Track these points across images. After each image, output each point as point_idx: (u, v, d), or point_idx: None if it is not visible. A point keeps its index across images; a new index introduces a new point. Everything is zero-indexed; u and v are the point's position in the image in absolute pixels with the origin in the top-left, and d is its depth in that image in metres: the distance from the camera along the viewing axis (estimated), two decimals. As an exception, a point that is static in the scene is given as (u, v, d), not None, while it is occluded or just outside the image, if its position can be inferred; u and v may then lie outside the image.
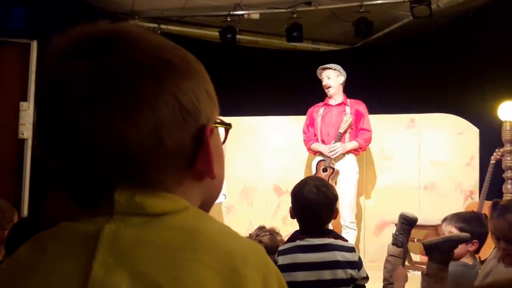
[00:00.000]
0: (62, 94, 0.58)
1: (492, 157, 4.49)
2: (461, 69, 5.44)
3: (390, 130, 5.21)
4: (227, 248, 0.58)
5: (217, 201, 1.01)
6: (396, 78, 5.96)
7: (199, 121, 0.63)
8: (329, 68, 4.63)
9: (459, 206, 4.76)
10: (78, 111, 0.57)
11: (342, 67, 4.70)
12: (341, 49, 7.04)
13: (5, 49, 4.83)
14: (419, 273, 2.60)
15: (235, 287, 0.56)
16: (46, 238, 0.62)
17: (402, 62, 6.02)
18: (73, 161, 0.60)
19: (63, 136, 0.59)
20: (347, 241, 2.29)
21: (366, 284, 2.14)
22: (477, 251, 2.44)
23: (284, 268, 2.03)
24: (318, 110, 4.75)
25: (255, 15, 5.94)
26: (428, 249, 2.15)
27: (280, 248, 2.16)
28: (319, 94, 4.90)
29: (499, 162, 4.48)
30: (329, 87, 4.62)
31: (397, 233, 2.35)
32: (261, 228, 2.54)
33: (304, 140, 4.80)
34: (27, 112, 4.77)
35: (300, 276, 2.03)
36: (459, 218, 2.48)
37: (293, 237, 2.17)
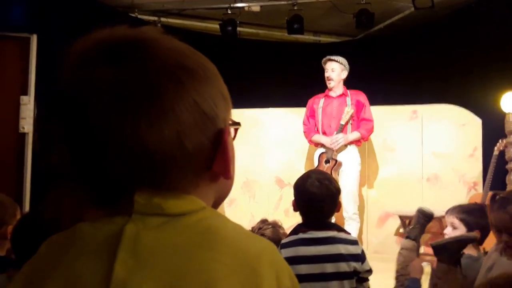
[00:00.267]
0: (87, 100, 0.60)
1: (496, 148, 4.47)
2: (464, 60, 5.41)
3: (393, 121, 5.19)
4: (242, 247, 0.61)
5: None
6: (398, 69, 5.94)
7: (216, 124, 0.65)
8: (335, 61, 4.60)
9: (462, 197, 4.74)
10: (103, 117, 0.59)
11: (347, 58, 4.67)
12: (342, 41, 7.01)
13: (5, 43, 4.81)
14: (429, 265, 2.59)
15: (252, 284, 0.58)
16: (66, 238, 0.63)
17: (403, 54, 5.99)
18: (96, 164, 0.61)
19: (87, 140, 0.61)
20: (350, 234, 2.28)
21: (369, 277, 2.13)
22: (480, 242, 2.43)
23: (287, 261, 1.98)
24: (319, 102, 4.73)
25: (255, 7, 5.91)
26: (437, 250, 2.15)
27: (283, 241, 2.15)
28: (320, 86, 4.88)
29: (502, 153, 4.46)
30: (331, 80, 4.59)
31: (412, 226, 2.37)
32: (264, 221, 2.53)
33: (304, 132, 4.77)
34: (28, 106, 4.76)
35: (303, 269, 2.02)
36: (461, 209, 2.47)
37: (296, 230, 2.16)
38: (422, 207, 2.41)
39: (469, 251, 2.44)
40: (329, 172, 4.27)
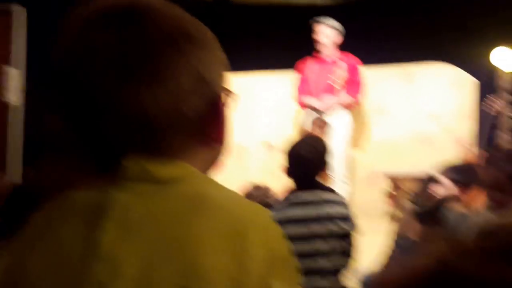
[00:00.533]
0: (88, 64, 0.61)
1: (489, 107, 4.45)
2: (457, 17, 5.33)
3: (385, 82, 5.14)
4: (232, 212, 0.62)
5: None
6: (391, 28, 5.84)
7: (214, 90, 0.66)
8: (326, 25, 4.54)
9: (454, 157, 4.75)
10: (103, 80, 0.60)
11: (338, 21, 4.61)
12: (337, 3, 6.88)
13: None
14: None
15: (240, 250, 0.59)
16: (54, 207, 0.64)
17: (396, 12, 5.88)
18: (92, 128, 0.62)
19: (86, 103, 0.61)
20: (339, 195, 2.31)
21: (358, 237, 2.16)
22: (469, 200, 2.46)
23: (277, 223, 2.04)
24: (310, 65, 4.68)
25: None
26: (420, 216, 2.19)
27: (274, 204, 2.19)
28: (312, 47, 4.81)
29: (495, 112, 4.45)
30: (322, 44, 4.54)
31: (415, 192, 2.37)
32: (255, 187, 2.55)
33: (296, 95, 4.74)
34: (13, 76, 4.68)
35: (292, 230, 2.06)
36: (452, 169, 2.49)
37: (288, 194, 2.18)
38: (428, 173, 2.39)
39: (460, 208, 2.47)
40: (319, 135, 4.28)
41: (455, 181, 2.40)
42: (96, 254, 0.57)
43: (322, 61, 4.65)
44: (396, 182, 4.77)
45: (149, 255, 0.57)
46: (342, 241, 2.09)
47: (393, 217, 4.38)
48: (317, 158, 2.10)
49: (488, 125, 4.44)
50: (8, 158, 4.60)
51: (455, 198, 2.28)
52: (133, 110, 0.60)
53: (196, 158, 0.67)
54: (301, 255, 2.00)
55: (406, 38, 5.62)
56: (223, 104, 0.68)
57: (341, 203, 2.13)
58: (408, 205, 2.35)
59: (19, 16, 4.67)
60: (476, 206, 2.76)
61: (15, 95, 4.58)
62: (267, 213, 0.66)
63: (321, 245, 2.05)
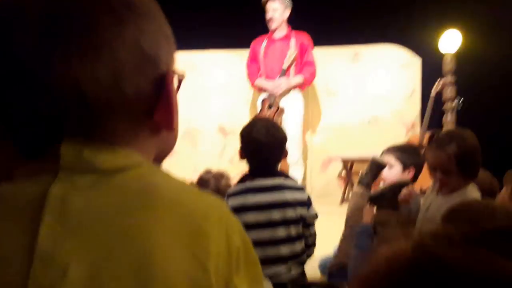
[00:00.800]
0: (14, 29, 0.54)
1: (433, 89, 4.54)
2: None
3: (334, 64, 5.15)
4: (186, 205, 0.56)
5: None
6: (339, 8, 5.83)
7: (159, 67, 0.59)
8: (277, 0, 4.42)
9: (401, 139, 4.85)
10: (32, 49, 0.53)
11: None
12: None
13: None
14: None
15: (197, 246, 0.54)
16: None
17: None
18: (21, 105, 0.55)
19: (13, 76, 0.54)
20: (296, 181, 2.28)
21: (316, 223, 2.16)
22: (414, 180, 2.50)
23: (234, 210, 2.04)
24: (261, 44, 4.58)
25: None
26: (375, 199, 2.24)
27: (230, 190, 2.17)
28: (262, 26, 4.71)
29: (440, 94, 4.54)
30: (273, 21, 4.43)
31: (363, 174, 2.42)
32: (208, 172, 2.47)
33: (247, 76, 4.65)
34: None
35: (251, 217, 2.03)
36: (396, 149, 2.55)
37: (243, 179, 2.16)
38: (375, 158, 2.45)
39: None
40: (271, 117, 4.22)
41: (400, 160, 2.46)
42: (37, 256, 0.50)
43: (273, 39, 4.56)
44: (348, 164, 4.83)
45: (95, 255, 0.51)
46: (301, 227, 2.06)
47: (346, 200, 4.43)
48: (274, 143, 2.05)
49: (432, 106, 4.52)
50: None
51: (409, 183, 2.33)
52: (65, 84, 0.53)
53: (145, 145, 0.60)
54: (260, 243, 1.98)
55: (353, 19, 5.62)
56: (170, 84, 0.60)
57: (300, 188, 2.10)
58: (359, 189, 2.37)
59: None
60: (418, 186, 2.82)
61: None
62: (223, 205, 0.61)
63: (280, 232, 2.01)
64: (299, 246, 2.06)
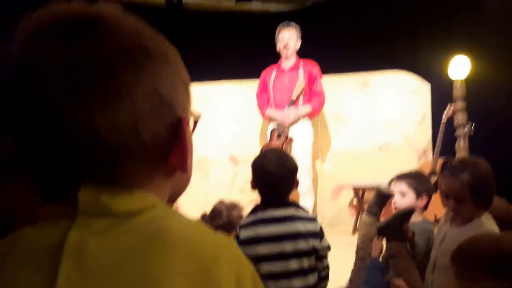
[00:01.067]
0: (38, 78, 0.55)
1: (444, 114, 4.52)
2: (411, 25, 5.43)
3: (343, 91, 5.17)
4: (197, 248, 0.56)
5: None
6: (347, 36, 5.89)
7: (175, 112, 0.60)
8: (292, 28, 4.52)
9: (413, 165, 4.82)
10: (54, 97, 0.54)
11: None
12: (292, 9, 6.90)
13: None
14: None
15: None
16: (6, 247, 0.58)
17: (352, 21, 5.94)
18: (42, 151, 0.56)
19: (34, 123, 0.56)
20: (308, 211, 2.26)
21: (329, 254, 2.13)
22: (425, 207, 2.48)
23: (246, 242, 2.02)
24: (271, 74, 4.64)
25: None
26: (382, 231, 2.20)
27: (242, 222, 2.14)
28: (270, 56, 4.77)
29: (451, 119, 4.52)
30: (289, 48, 4.51)
31: (371, 203, 2.38)
32: (221, 203, 2.47)
33: (258, 106, 4.69)
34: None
35: (263, 249, 2.00)
36: (409, 176, 2.52)
37: (255, 210, 2.14)
38: (380, 187, 2.39)
39: (418, 216, 2.48)
40: (280, 147, 4.23)
41: (412, 187, 2.43)
42: None
43: (282, 69, 4.61)
44: (359, 192, 4.79)
45: None
46: (312, 258, 2.03)
47: (358, 229, 4.39)
48: (285, 173, 2.04)
49: (443, 132, 4.50)
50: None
51: (414, 210, 2.29)
52: (85, 131, 0.55)
53: (159, 187, 0.62)
54: (273, 275, 1.95)
55: (361, 46, 5.67)
56: (185, 127, 0.61)
57: (312, 219, 2.08)
58: (368, 219, 2.33)
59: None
60: (428, 213, 2.79)
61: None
62: (234, 246, 0.60)
63: (292, 264, 1.99)
64: (312, 278, 2.02)
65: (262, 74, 4.72)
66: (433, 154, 4.67)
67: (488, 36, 4.79)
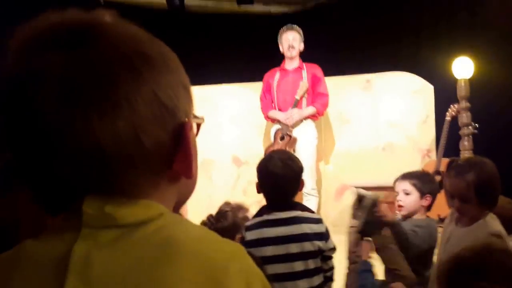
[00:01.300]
0: (35, 89, 0.54)
1: (447, 114, 4.52)
2: (414, 26, 5.43)
3: (347, 92, 5.17)
4: (206, 258, 0.55)
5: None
6: (350, 38, 5.89)
7: (177, 118, 0.59)
8: (296, 30, 4.56)
9: (416, 165, 4.81)
10: (52, 108, 0.53)
11: None
12: (294, 11, 6.90)
13: None
14: None
15: None
16: (10, 260, 0.57)
17: (354, 22, 5.94)
18: (42, 165, 0.55)
19: (34, 135, 0.54)
20: (314, 212, 2.26)
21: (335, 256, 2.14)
22: (429, 207, 2.47)
23: (252, 244, 2.03)
24: (274, 76, 4.64)
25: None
26: (362, 231, 2.19)
27: (247, 223, 2.15)
28: (272, 58, 4.77)
29: (454, 119, 4.52)
30: (293, 49, 4.53)
31: (355, 208, 2.35)
32: (227, 204, 2.47)
33: (261, 108, 4.70)
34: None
35: (269, 250, 2.01)
36: (412, 175, 2.52)
37: (260, 212, 2.15)
38: (359, 191, 2.34)
39: (421, 215, 2.49)
40: (284, 148, 4.24)
41: (416, 187, 2.43)
42: None
43: (285, 71, 4.62)
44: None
45: None
46: (318, 259, 2.04)
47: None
48: (290, 176, 2.05)
49: (447, 132, 4.50)
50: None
51: (378, 197, 2.27)
52: (85, 142, 0.53)
53: (164, 195, 0.60)
54: (278, 277, 1.95)
55: (364, 47, 5.67)
56: (188, 132, 0.60)
57: (317, 220, 2.09)
58: (353, 224, 2.32)
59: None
60: (432, 213, 2.79)
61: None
62: (244, 255, 0.59)
63: (298, 266, 2.00)
64: (317, 280, 2.03)
65: (266, 76, 4.73)
66: (436, 153, 4.67)
67: (490, 36, 4.79)
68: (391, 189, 4.43)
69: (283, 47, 4.58)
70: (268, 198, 2.13)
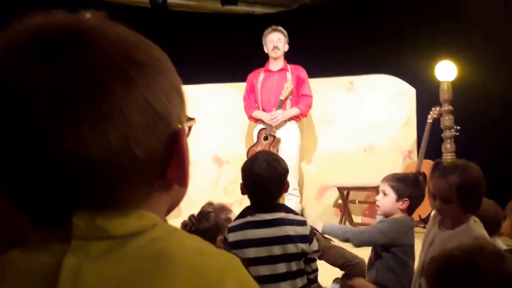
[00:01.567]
0: (20, 102, 0.51)
1: (429, 117, 4.56)
2: (396, 30, 5.49)
3: (330, 93, 5.18)
4: (201, 269, 0.53)
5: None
6: (333, 40, 5.91)
7: (170, 125, 0.56)
8: (281, 32, 4.58)
9: (398, 166, 4.85)
10: (41, 121, 0.50)
11: None
12: (277, 12, 6.90)
13: None
14: None
15: None
16: None
17: (338, 24, 5.97)
18: (31, 177, 0.52)
19: (20, 151, 0.51)
20: (298, 214, 2.25)
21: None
22: (410, 211, 2.46)
23: (235, 245, 2.01)
24: (258, 76, 4.64)
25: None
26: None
27: (231, 224, 2.13)
28: (255, 59, 4.76)
29: (435, 121, 4.56)
30: (277, 50, 4.55)
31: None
32: (210, 204, 2.44)
33: (244, 108, 4.70)
34: None
35: (251, 252, 2.00)
36: (394, 177, 2.50)
37: (244, 213, 2.14)
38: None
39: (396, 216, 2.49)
40: (267, 148, 4.24)
41: (394, 189, 2.42)
42: None
43: (270, 72, 4.62)
44: (344, 192, 4.81)
45: None
46: (301, 261, 2.02)
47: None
48: (275, 177, 2.03)
49: (428, 134, 4.55)
50: None
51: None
52: (75, 156, 0.50)
53: (157, 204, 0.58)
54: (260, 278, 1.93)
55: (347, 50, 5.70)
56: (182, 140, 0.58)
57: (301, 222, 2.07)
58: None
59: None
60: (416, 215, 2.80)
61: None
62: (239, 267, 0.57)
63: (280, 268, 1.98)
64: (300, 282, 2.01)
65: (250, 76, 4.72)
66: (418, 155, 4.72)
67: (472, 40, 4.86)
68: (372, 189, 4.48)
69: (268, 48, 4.59)
70: (252, 199, 2.11)
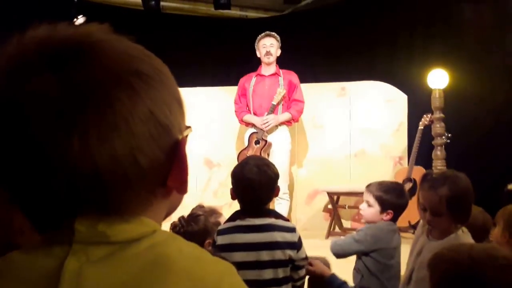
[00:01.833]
0: (29, 114, 0.52)
1: (420, 123, 4.59)
2: (389, 37, 5.51)
3: (321, 98, 5.19)
4: (198, 275, 0.55)
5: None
6: (325, 46, 5.93)
7: (172, 135, 0.58)
8: (273, 37, 4.59)
9: (388, 172, 4.87)
10: (46, 133, 0.52)
11: None
12: (270, 16, 6.91)
13: None
14: None
15: None
16: None
17: (331, 30, 5.99)
18: (37, 185, 0.54)
19: (27, 161, 0.53)
20: (288, 220, 2.24)
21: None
22: (394, 220, 2.42)
23: (223, 248, 2.00)
24: (250, 81, 4.65)
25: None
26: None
27: (220, 227, 2.11)
28: (247, 63, 4.76)
29: (426, 128, 4.59)
30: (270, 55, 4.56)
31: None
32: (200, 207, 2.43)
33: (235, 112, 4.70)
34: None
35: (238, 256, 1.99)
36: (379, 187, 2.43)
37: (233, 217, 2.13)
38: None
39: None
40: (258, 153, 4.23)
41: (379, 200, 2.38)
42: None
43: (262, 76, 4.63)
44: (334, 197, 4.81)
45: None
46: (288, 268, 2.02)
47: (331, 234, 4.36)
48: (265, 182, 2.02)
49: (419, 141, 4.57)
50: None
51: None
52: (82, 165, 0.52)
53: (157, 210, 0.60)
54: (247, 283, 1.90)
55: (339, 56, 5.72)
56: (183, 149, 0.60)
57: (290, 229, 2.06)
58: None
59: None
60: (402, 221, 2.76)
61: None
62: (235, 274, 0.59)
63: (267, 274, 1.97)
64: (287, 289, 2.00)
65: (242, 80, 4.73)
66: (408, 161, 4.74)
67: (464, 48, 4.89)
68: (362, 195, 4.48)
69: (261, 52, 4.60)
70: (242, 204, 2.10)
